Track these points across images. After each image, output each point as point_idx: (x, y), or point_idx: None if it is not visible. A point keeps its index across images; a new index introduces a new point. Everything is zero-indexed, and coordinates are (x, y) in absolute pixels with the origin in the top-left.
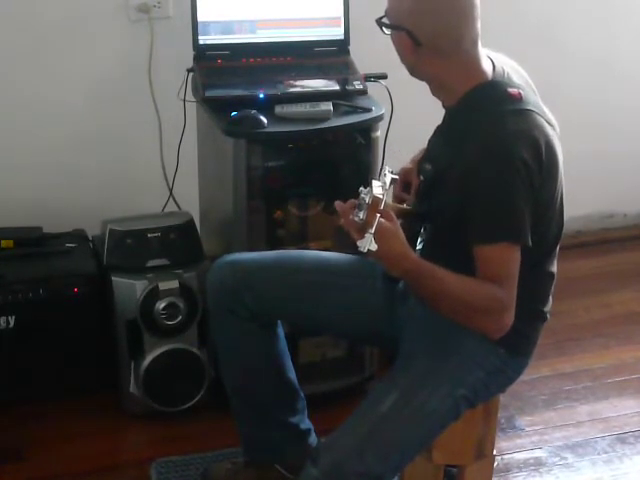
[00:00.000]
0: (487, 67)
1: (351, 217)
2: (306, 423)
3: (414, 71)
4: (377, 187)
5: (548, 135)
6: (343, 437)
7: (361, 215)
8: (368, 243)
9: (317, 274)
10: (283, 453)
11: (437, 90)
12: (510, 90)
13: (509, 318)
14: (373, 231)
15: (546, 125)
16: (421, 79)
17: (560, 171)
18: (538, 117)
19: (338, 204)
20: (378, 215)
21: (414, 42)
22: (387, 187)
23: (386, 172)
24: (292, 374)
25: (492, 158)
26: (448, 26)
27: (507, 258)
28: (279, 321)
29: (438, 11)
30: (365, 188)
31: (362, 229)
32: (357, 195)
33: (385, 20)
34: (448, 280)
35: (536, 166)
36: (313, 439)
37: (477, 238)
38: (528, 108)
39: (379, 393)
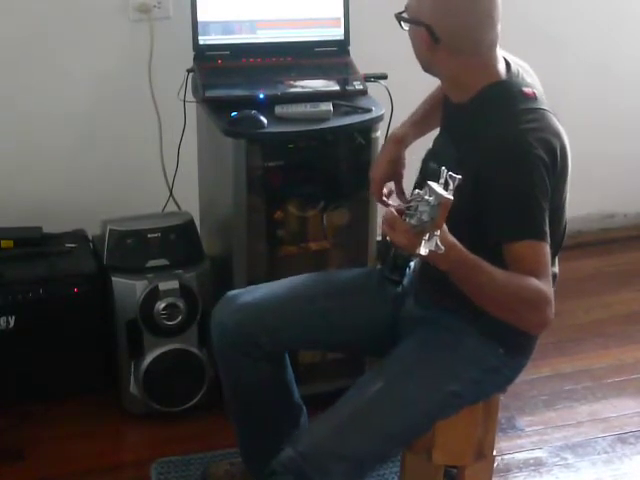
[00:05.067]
0: (502, 68)
1: (408, 220)
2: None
3: (429, 68)
4: (439, 188)
5: (561, 135)
6: (324, 421)
7: (425, 217)
8: (434, 245)
9: (326, 300)
10: None
11: (450, 88)
12: (525, 89)
13: (552, 312)
14: (438, 233)
15: (559, 125)
16: (435, 76)
17: (569, 173)
18: (552, 116)
19: (389, 213)
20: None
21: (432, 39)
22: (452, 187)
23: (447, 173)
24: (297, 395)
25: (510, 157)
26: (468, 26)
27: (538, 252)
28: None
29: (460, 10)
30: (421, 190)
31: (420, 233)
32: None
33: (405, 15)
34: (494, 272)
35: (551, 165)
36: None
37: (504, 237)
38: (542, 107)
39: (366, 381)
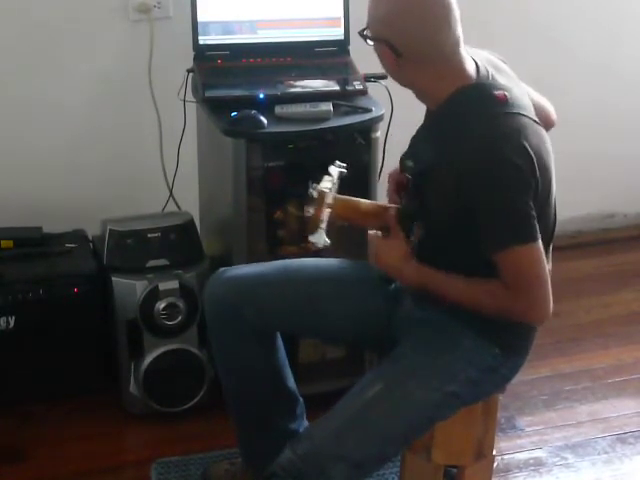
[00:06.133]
0: (471, 69)
1: (305, 213)
2: (304, 427)
3: (398, 79)
4: (326, 181)
5: (536, 136)
6: (323, 423)
7: (311, 210)
8: (318, 238)
9: (317, 285)
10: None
11: (421, 95)
12: (496, 93)
13: (542, 313)
14: (324, 226)
15: (534, 125)
16: (405, 86)
17: (552, 169)
18: (525, 119)
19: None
20: (328, 210)
21: (395, 54)
22: (335, 180)
23: (336, 165)
24: (291, 382)
25: (485, 164)
26: (425, 34)
27: (525, 259)
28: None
29: (413, 20)
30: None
31: (314, 224)
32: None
33: (367, 32)
34: (458, 283)
35: (528, 168)
36: None
37: (491, 247)
38: (514, 111)
39: (365, 383)
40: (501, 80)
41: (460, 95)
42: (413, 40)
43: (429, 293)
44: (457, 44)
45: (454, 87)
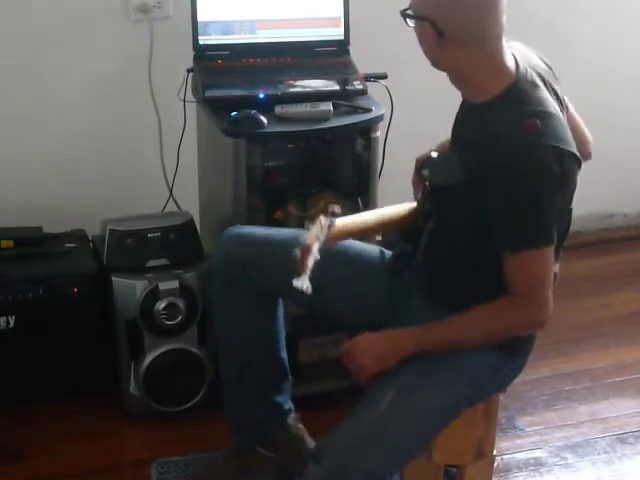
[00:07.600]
0: (511, 64)
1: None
2: (288, 403)
3: (436, 63)
4: (315, 228)
5: (571, 143)
6: (344, 436)
7: (298, 254)
8: (300, 284)
9: (324, 262)
10: (264, 431)
11: (458, 82)
12: (536, 95)
13: (545, 315)
14: (309, 272)
15: (568, 131)
16: (443, 70)
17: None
18: (563, 121)
19: None
20: (313, 258)
21: (438, 33)
22: (324, 230)
23: (329, 214)
24: (284, 354)
25: (519, 169)
26: (473, 18)
27: (538, 262)
28: (280, 300)
29: (463, 3)
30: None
31: (300, 269)
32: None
33: (409, 12)
34: (464, 321)
35: (561, 173)
36: (292, 419)
37: (507, 247)
38: (550, 111)
39: (377, 392)
40: (539, 82)
41: (505, 97)
42: (458, 21)
43: (431, 348)
44: (500, 35)
45: (499, 86)
